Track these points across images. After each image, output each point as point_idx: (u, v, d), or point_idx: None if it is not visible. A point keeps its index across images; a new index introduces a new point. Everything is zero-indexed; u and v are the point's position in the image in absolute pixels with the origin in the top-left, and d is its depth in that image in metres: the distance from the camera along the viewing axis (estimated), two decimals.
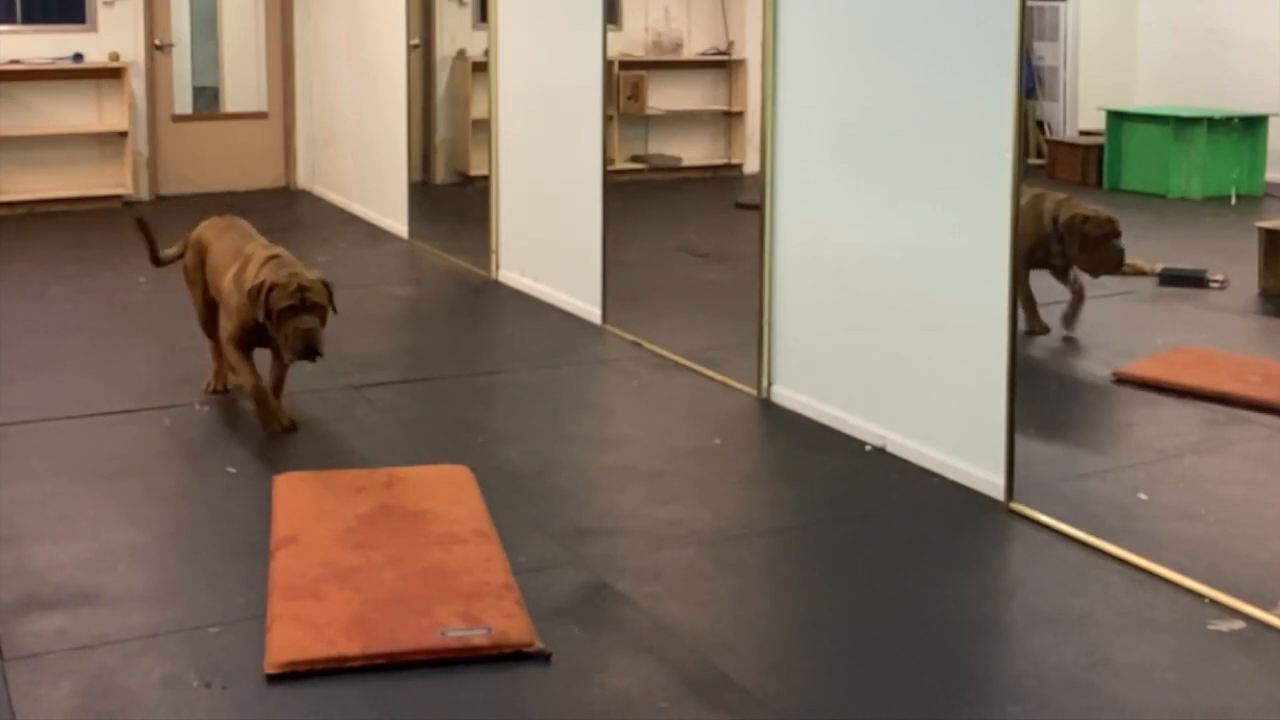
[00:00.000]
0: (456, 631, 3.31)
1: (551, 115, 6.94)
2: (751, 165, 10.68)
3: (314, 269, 4.89)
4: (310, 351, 4.68)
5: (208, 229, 5.35)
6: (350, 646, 3.25)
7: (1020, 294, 5.84)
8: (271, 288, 4.66)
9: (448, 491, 4.21)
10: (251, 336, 4.85)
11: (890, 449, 4.70)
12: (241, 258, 4.96)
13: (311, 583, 3.55)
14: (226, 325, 5.01)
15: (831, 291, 5.00)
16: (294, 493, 4.19)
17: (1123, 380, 5.45)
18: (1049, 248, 5.92)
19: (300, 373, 5.13)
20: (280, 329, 4.66)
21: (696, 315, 6.67)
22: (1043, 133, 11.27)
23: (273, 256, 4.87)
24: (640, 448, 4.84)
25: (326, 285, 4.77)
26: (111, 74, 9.65)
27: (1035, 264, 5.96)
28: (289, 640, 3.28)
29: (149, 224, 5.64)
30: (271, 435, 4.82)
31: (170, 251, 5.58)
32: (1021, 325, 5.91)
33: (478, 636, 3.29)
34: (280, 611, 3.41)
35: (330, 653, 3.23)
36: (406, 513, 4.03)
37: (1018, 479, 4.24)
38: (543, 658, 3.27)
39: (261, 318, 4.69)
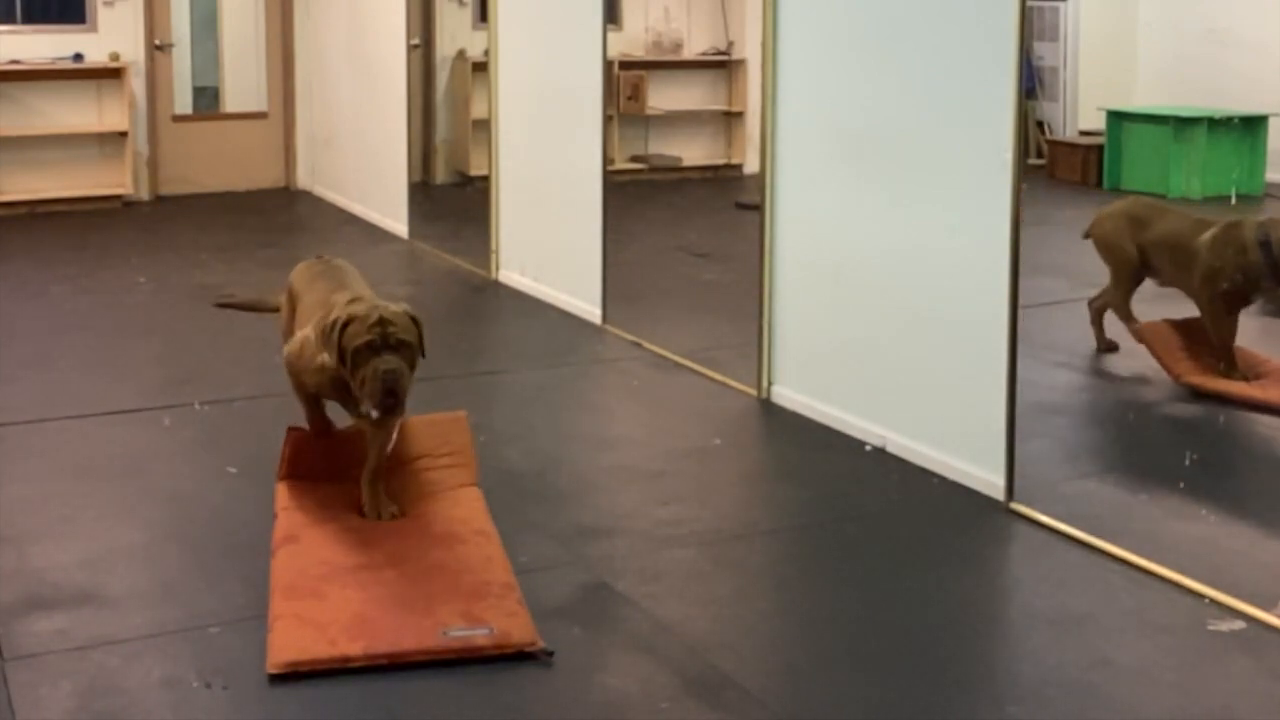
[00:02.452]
0: (458, 631, 3.31)
1: (551, 115, 6.95)
2: (751, 165, 10.68)
3: (402, 303, 4.01)
4: (391, 398, 3.83)
5: (299, 275, 4.54)
6: (352, 647, 3.25)
7: (1223, 339, 5.27)
8: (347, 322, 3.83)
9: (448, 491, 4.20)
10: (323, 387, 4.08)
11: (890, 449, 4.70)
12: (326, 308, 4.07)
13: (313, 582, 3.55)
14: (292, 368, 4.22)
15: (831, 291, 5.00)
16: (295, 492, 4.18)
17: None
18: (1259, 278, 5.25)
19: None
20: (356, 373, 3.83)
21: (696, 315, 6.67)
22: (1043, 133, 11.27)
23: (357, 299, 4.02)
24: (640, 448, 4.84)
25: (415, 320, 3.90)
26: (111, 74, 9.65)
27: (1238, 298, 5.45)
28: (290, 640, 3.28)
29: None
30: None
31: (277, 299, 4.81)
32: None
33: (480, 636, 3.29)
34: (281, 611, 3.41)
35: (332, 653, 3.23)
36: (407, 512, 4.03)
37: (1018, 479, 4.24)
38: (545, 656, 3.27)
39: (334, 360, 3.85)
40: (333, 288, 4.23)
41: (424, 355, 3.95)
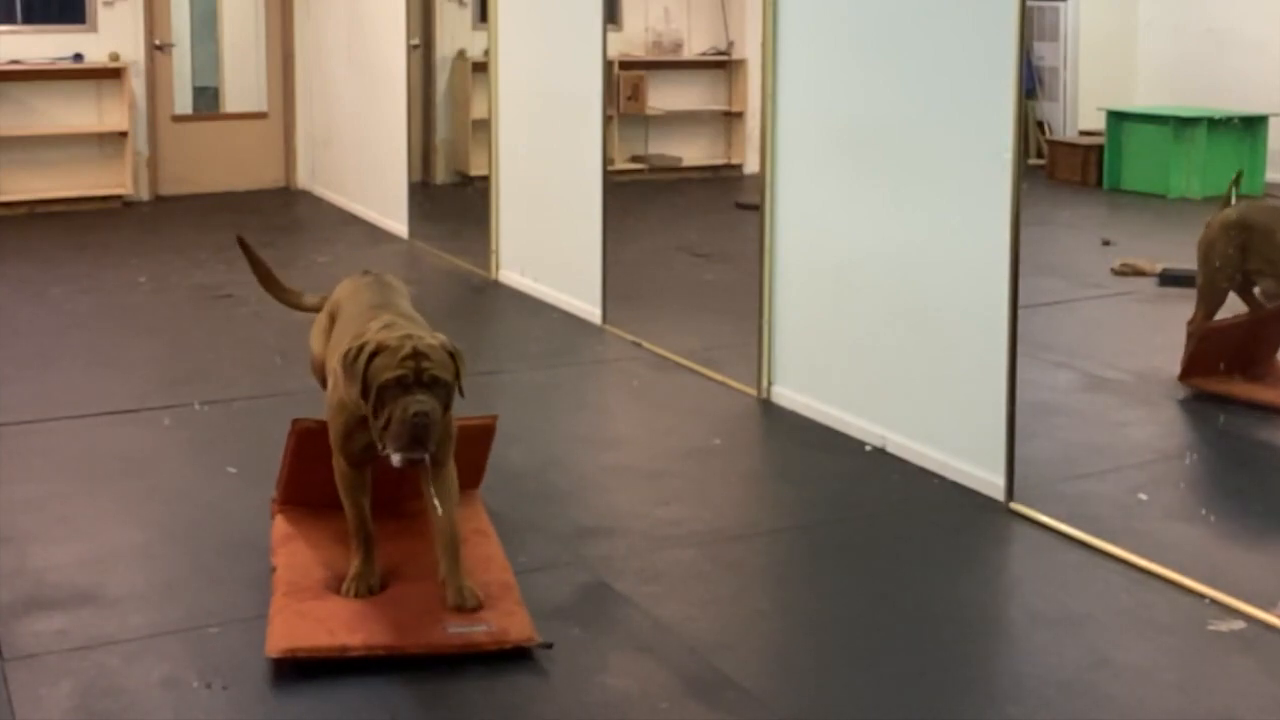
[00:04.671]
0: (457, 628, 3.31)
1: (551, 115, 6.95)
2: (751, 165, 10.69)
3: (439, 334, 3.49)
4: (418, 445, 3.30)
5: (343, 288, 4.01)
6: (352, 638, 3.26)
7: None
8: (375, 352, 3.32)
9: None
10: (363, 442, 3.47)
11: (890, 449, 4.69)
12: (360, 331, 3.54)
13: (313, 581, 3.54)
14: (329, 421, 3.58)
15: (831, 291, 5.00)
16: (295, 492, 4.17)
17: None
18: None
19: (292, 373, 5.06)
20: (381, 412, 3.31)
21: (696, 315, 6.67)
22: (1043, 133, 11.27)
23: (393, 324, 3.52)
24: (640, 448, 4.84)
25: (453, 354, 3.39)
26: (111, 74, 9.65)
27: None
28: (290, 629, 3.28)
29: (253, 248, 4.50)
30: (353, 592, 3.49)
31: (309, 300, 4.39)
32: None
33: (478, 633, 3.30)
34: (282, 605, 3.40)
35: (331, 642, 3.24)
36: (407, 513, 4.02)
37: (1018, 479, 4.24)
38: (544, 648, 3.28)
39: (357, 394, 3.33)
40: (376, 302, 3.76)
41: (462, 395, 3.46)
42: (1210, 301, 5.42)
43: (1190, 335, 5.36)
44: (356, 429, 3.45)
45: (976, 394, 4.36)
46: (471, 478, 4.08)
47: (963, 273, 4.40)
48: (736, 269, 6.81)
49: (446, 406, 3.37)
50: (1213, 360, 5.29)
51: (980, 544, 4.07)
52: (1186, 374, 5.27)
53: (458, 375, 3.40)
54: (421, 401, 3.27)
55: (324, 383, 3.96)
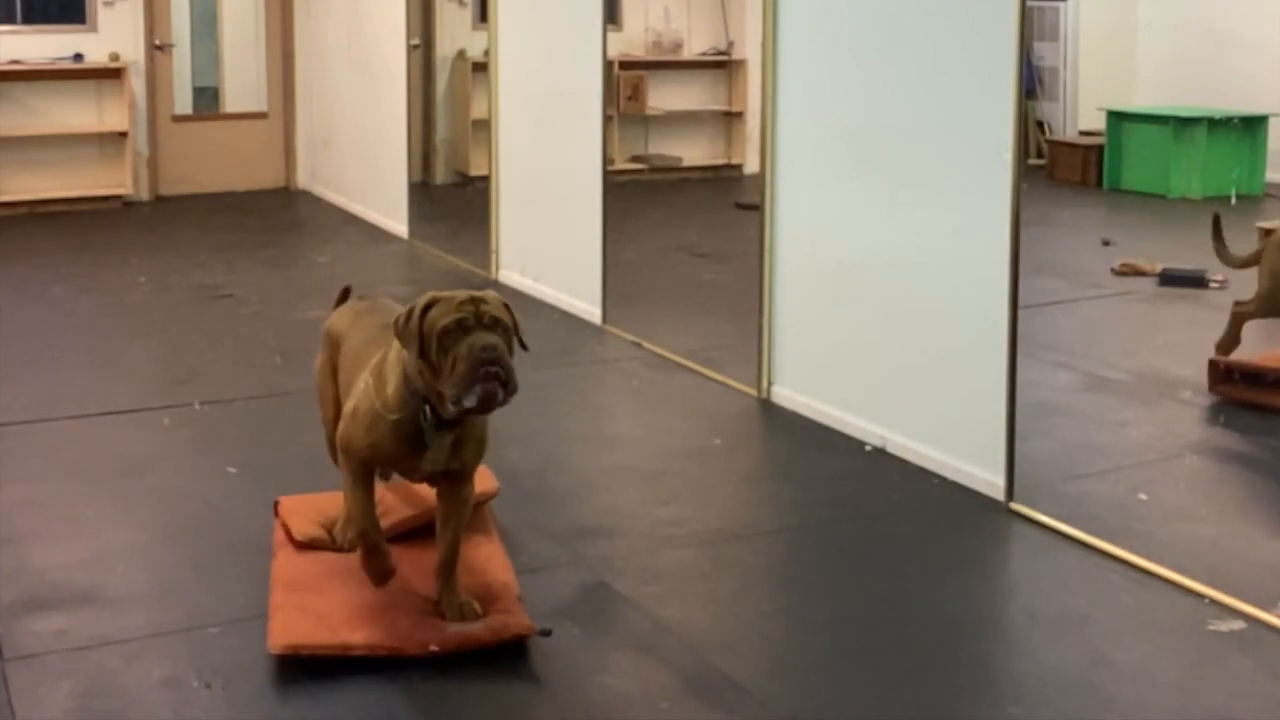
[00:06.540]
0: (457, 626, 3.32)
1: (551, 115, 6.95)
2: (751, 165, 10.69)
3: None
4: (494, 382, 3.11)
5: (340, 316, 3.85)
6: (354, 636, 3.26)
7: None
8: (430, 304, 3.20)
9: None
10: (393, 455, 3.36)
11: (890, 449, 4.69)
12: (386, 346, 3.42)
13: (313, 579, 3.54)
14: (345, 432, 3.42)
15: (831, 291, 5.00)
16: (293, 501, 4.16)
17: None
18: None
19: (292, 373, 5.08)
20: (444, 359, 3.14)
21: (696, 315, 6.67)
22: (1043, 133, 11.28)
23: None
24: (640, 448, 4.84)
25: (507, 306, 3.26)
26: (111, 74, 9.65)
27: None
28: (291, 625, 3.28)
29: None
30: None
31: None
32: None
33: (478, 629, 3.30)
34: (282, 601, 3.40)
35: (333, 640, 3.23)
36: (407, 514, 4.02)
37: (1018, 479, 4.24)
38: (543, 634, 3.30)
39: (415, 352, 3.18)
40: (387, 322, 3.50)
41: (525, 347, 3.29)
42: (1269, 308, 5.41)
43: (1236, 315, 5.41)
44: (389, 440, 3.28)
45: (976, 394, 4.36)
46: None
47: (963, 273, 4.40)
48: (736, 269, 6.81)
49: (510, 350, 3.19)
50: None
51: (980, 544, 4.07)
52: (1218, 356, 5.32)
53: (515, 324, 3.24)
54: (486, 337, 3.12)
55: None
